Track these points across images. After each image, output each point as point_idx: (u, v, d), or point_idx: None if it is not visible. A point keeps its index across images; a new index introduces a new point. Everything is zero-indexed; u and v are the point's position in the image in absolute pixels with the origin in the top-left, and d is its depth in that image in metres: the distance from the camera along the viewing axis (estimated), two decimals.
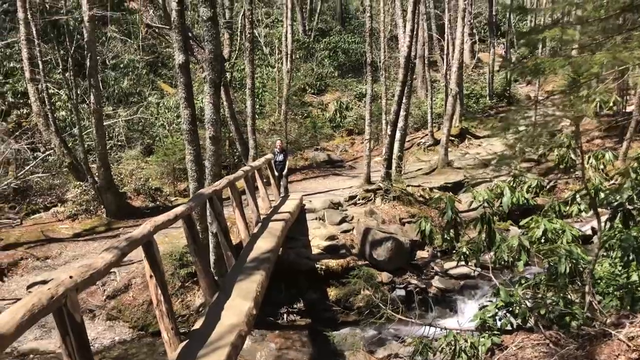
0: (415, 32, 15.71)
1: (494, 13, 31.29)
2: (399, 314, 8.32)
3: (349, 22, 44.71)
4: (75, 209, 17.80)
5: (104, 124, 22.06)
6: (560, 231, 8.59)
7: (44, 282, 14.04)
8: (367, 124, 19.13)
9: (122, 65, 31.48)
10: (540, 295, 7.77)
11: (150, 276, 5.81)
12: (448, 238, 8.94)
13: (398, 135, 16.81)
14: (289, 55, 28.35)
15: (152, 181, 21.67)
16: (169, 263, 13.26)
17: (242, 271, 8.40)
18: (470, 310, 13.23)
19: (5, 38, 25.41)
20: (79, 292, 4.24)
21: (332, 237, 13.88)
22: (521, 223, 9.88)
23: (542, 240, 8.62)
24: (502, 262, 9.07)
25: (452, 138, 23.01)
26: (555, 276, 7.32)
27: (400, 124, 16.71)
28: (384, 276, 13.51)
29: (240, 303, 6.97)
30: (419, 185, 17.67)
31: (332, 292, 13.12)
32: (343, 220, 14.72)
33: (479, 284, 13.97)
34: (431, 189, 17.62)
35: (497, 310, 7.79)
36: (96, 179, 17.81)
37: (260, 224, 11.69)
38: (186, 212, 7.05)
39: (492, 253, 9.05)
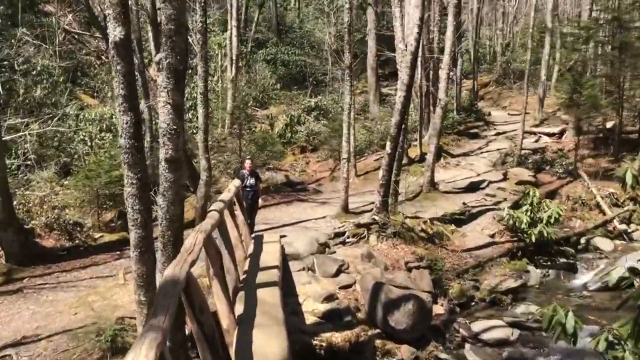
0: (423, 22, 11.81)
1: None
2: None
3: (285, 34, 40.82)
4: None
5: (6, 137, 16.76)
6: None
7: None
8: (344, 139, 15.01)
9: (34, 72, 25.72)
10: None
11: None
12: None
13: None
14: (234, 61, 23.88)
15: (71, 211, 16.49)
16: (90, 345, 8.58)
17: None
18: None
19: None
20: None
21: (330, 297, 9.55)
22: None
23: None
24: None
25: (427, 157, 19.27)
26: None
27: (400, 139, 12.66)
28: (405, 351, 9.33)
29: None
30: (415, 216, 13.67)
31: None
32: (340, 271, 10.43)
33: (524, 353, 10.04)
34: (432, 221, 13.65)
35: None
36: None
37: (243, 294, 7.21)
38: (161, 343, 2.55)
39: None
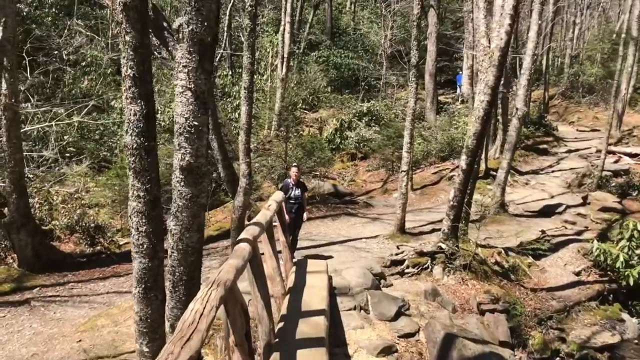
0: (518, 12, 9.54)
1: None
2: None
3: (338, 37, 38.83)
4: None
5: (29, 128, 15.29)
6: None
7: None
8: (405, 148, 12.80)
9: (83, 63, 24.50)
10: None
11: None
12: None
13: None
14: (285, 60, 21.98)
15: (102, 210, 14.86)
16: None
17: None
18: None
19: None
20: None
21: (387, 349, 7.34)
22: None
23: None
24: None
25: (493, 173, 16.86)
26: None
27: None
28: None
29: None
30: (487, 245, 11.31)
31: None
32: (400, 313, 8.21)
33: None
34: (506, 252, 11.28)
35: None
36: (5, 211, 11.00)
37: (278, 355, 5.11)
38: None
39: None
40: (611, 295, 11.06)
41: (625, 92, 21.63)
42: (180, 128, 4.56)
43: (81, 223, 12.53)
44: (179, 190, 4.69)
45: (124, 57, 5.02)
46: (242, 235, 5.17)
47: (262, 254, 6.85)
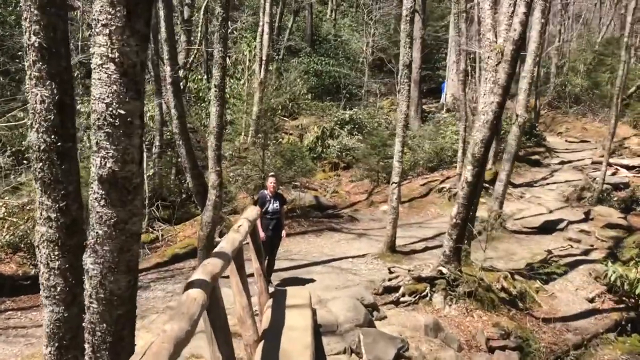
0: None
1: None
2: None
3: (319, 44, 37.54)
4: None
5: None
6: None
7: None
8: (396, 158, 11.36)
9: None
10: None
11: None
12: None
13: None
14: (264, 62, 20.45)
15: None
16: None
17: None
18: None
19: None
20: None
21: None
22: None
23: None
24: None
25: (486, 185, 15.50)
26: None
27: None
28: None
29: None
30: (491, 267, 9.85)
31: None
32: (399, 356, 6.67)
33: None
34: (512, 275, 9.84)
35: None
36: None
37: None
38: None
39: None
40: (629, 325, 9.70)
41: (618, 100, 20.56)
42: (99, 119, 3.01)
43: (26, 240, 10.77)
44: (98, 213, 3.13)
45: (25, 19, 3.47)
46: (196, 276, 3.62)
47: (227, 276, 5.35)
